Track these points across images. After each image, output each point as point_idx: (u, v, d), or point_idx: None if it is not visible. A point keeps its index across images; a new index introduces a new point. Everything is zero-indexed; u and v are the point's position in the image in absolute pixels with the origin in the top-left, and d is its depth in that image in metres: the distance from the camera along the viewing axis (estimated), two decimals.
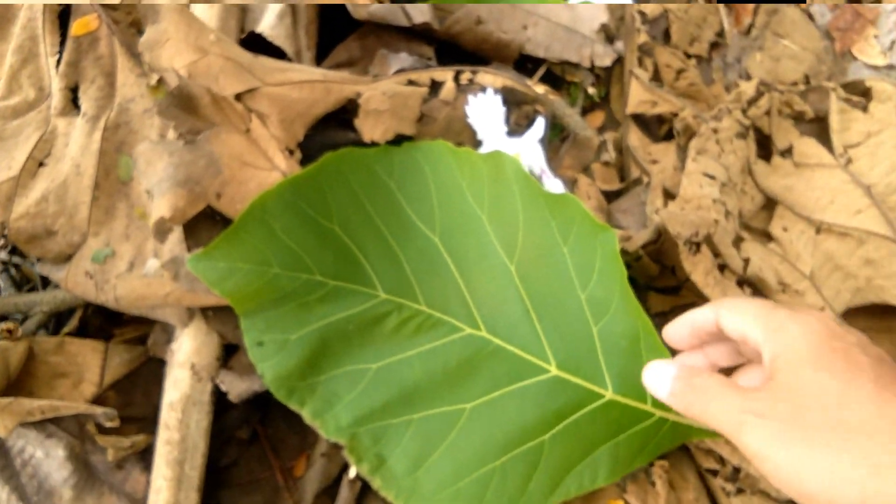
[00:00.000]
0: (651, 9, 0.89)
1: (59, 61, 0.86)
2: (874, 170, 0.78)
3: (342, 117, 0.77)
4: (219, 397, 0.75)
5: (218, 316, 0.74)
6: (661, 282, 0.78)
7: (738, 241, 0.75)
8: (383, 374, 0.69)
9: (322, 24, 0.86)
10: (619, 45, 0.89)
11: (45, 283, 0.88)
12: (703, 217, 0.69)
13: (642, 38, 0.86)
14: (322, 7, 0.84)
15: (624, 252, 0.72)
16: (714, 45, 0.93)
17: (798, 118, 0.82)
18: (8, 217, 0.78)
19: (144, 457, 0.74)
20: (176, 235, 0.74)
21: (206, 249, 0.66)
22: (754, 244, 0.77)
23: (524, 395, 0.67)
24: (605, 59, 0.88)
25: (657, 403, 0.66)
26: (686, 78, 0.86)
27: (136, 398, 0.79)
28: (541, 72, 0.89)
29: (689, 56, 0.91)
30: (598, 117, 0.91)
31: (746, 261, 0.73)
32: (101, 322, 0.87)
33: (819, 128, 0.83)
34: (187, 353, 0.73)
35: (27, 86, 0.86)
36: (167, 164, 0.67)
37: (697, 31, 0.92)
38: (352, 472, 0.74)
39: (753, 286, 0.75)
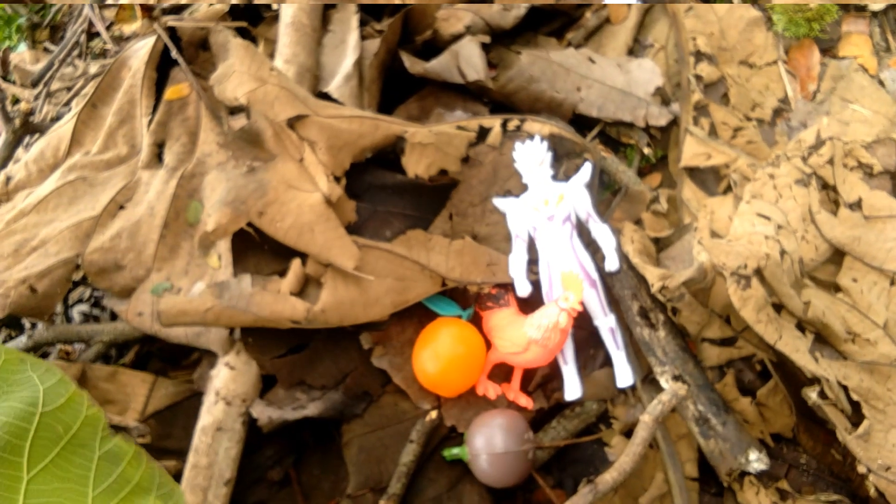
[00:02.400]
0: (708, 72, 0.89)
1: (150, 122, 0.95)
2: None
3: (392, 160, 0.81)
4: (254, 433, 0.75)
5: (257, 344, 0.75)
6: (714, 332, 0.73)
7: (798, 286, 0.70)
8: None
9: (386, 85, 0.91)
10: (675, 107, 0.89)
11: (114, 318, 0.93)
12: (753, 250, 0.65)
13: (697, 97, 0.86)
14: (386, 69, 0.90)
15: (665, 290, 0.69)
16: (778, 112, 0.91)
17: (867, 172, 0.78)
18: (83, 250, 0.84)
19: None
20: (225, 262, 0.77)
21: None
22: (818, 291, 0.71)
23: None
24: (660, 119, 0.88)
25: None
26: (744, 136, 0.85)
27: (175, 431, 0.80)
28: (595, 131, 0.90)
29: (749, 119, 0.89)
30: (654, 179, 0.90)
31: (807, 303, 0.67)
32: (161, 365, 0.89)
33: (891, 182, 0.78)
34: (223, 379, 0.74)
35: (121, 143, 0.96)
36: (223, 189, 0.72)
37: (759, 98, 0.92)
38: None
39: (817, 332, 0.69)
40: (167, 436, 0.80)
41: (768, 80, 0.93)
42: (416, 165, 0.74)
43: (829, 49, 0.93)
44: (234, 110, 0.95)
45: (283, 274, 0.73)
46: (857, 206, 0.77)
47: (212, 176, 0.74)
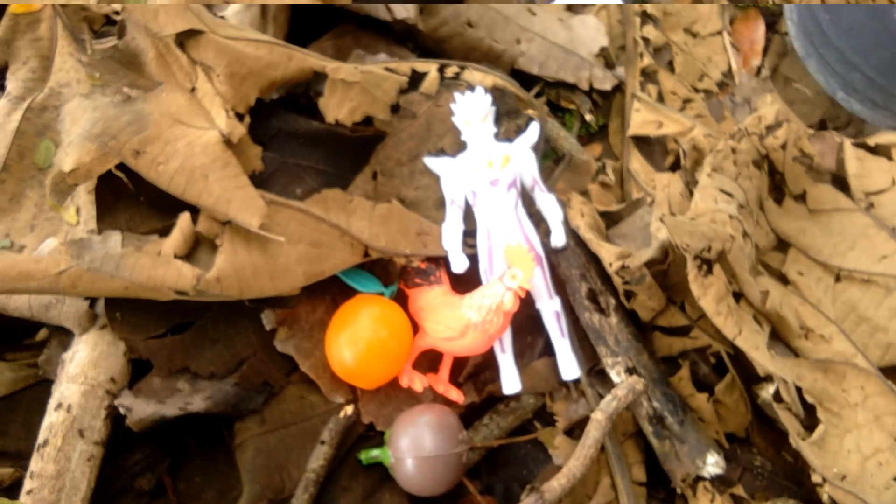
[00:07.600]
0: (654, 36, 0.82)
1: None
2: None
3: (303, 106, 0.67)
4: (119, 431, 0.60)
5: (128, 321, 0.59)
6: (667, 320, 0.66)
7: (755, 273, 0.64)
8: None
9: (296, 18, 0.77)
10: (620, 71, 0.81)
11: None
12: (718, 231, 0.58)
13: (646, 61, 0.78)
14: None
15: (624, 270, 0.60)
16: (721, 86, 0.86)
17: (807, 165, 0.73)
18: None
19: (12, 496, 0.57)
20: (86, 218, 0.61)
21: None
22: (773, 281, 0.65)
23: None
24: (604, 83, 0.79)
25: None
26: (693, 108, 0.78)
27: (13, 428, 0.63)
28: (534, 92, 0.80)
29: (696, 91, 0.83)
30: (594, 150, 0.81)
31: (766, 293, 0.61)
32: None
33: (830, 176, 0.74)
34: (81, 363, 0.58)
35: None
36: (87, 119, 0.55)
37: (704, 68, 0.85)
38: None
39: (773, 325, 0.62)
40: (2, 433, 0.63)
41: (711, 51, 0.87)
42: (338, 109, 0.61)
43: (774, 23, 0.88)
44: (101, 32, 0.77)
45: (164, 234, 0.58)
46: (801, 198, 0.72)
47: (73, 104, 0.58)
